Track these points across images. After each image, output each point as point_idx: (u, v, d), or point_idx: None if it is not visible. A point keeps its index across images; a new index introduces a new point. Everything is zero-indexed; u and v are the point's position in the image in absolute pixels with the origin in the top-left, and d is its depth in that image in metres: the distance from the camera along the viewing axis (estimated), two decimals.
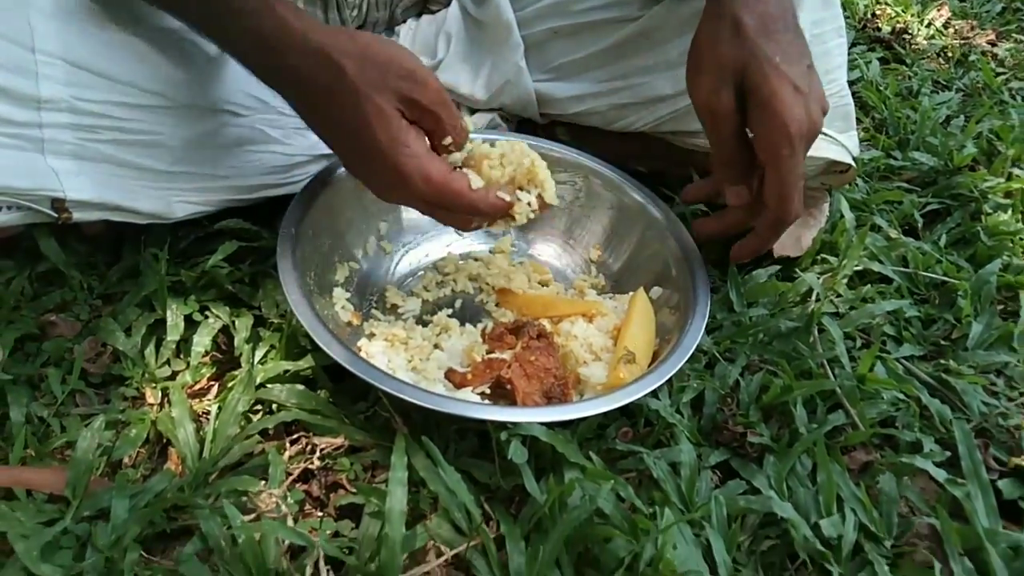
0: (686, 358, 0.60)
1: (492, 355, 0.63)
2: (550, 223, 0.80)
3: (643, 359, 0.63)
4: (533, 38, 0.81)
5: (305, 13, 0.54)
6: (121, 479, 0.52)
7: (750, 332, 0.69)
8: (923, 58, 1.33)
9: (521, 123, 0.88)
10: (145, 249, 0.67)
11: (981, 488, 0.56)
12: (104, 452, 0.54)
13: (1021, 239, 0.86)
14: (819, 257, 0.79)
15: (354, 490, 0.54)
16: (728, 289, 0.73)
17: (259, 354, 0.62)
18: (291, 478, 0.54)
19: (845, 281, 0.77)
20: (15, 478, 0.51)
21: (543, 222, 0.79)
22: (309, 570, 0.48)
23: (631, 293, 0.71)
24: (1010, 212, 0.90)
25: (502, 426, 0.54)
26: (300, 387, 0.59)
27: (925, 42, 1.38)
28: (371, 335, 0.66)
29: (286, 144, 0.69)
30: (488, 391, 0.60)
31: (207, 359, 0.63)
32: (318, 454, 0.56)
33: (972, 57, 1.33)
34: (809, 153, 0.63)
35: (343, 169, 0.69)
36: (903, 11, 1.49)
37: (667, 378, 0.58)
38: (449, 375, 0.62)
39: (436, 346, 0.66)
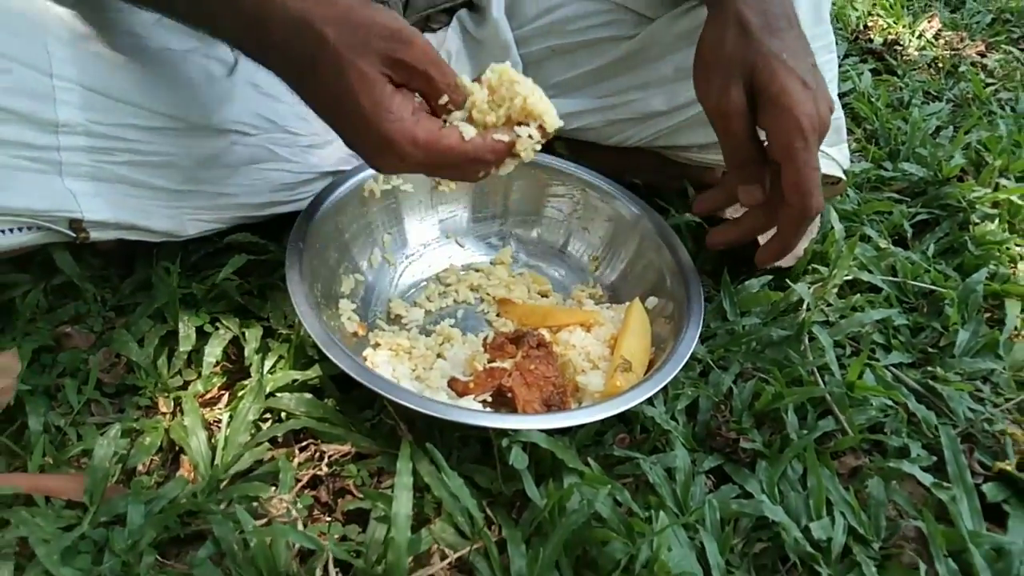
0: (681, 366, 0.60)
1: (493, 364, 0.64)
2: (550, 234, 0.82)
3: (639, 367, 0.64)
4: (531, 56, 0.83)
5: None
6: (136, 486, 0.54)
7: (743, 341, 0.70)
8: (914, 69, 1.34)
9: None
10: (157, 263, 0.68)
11: (966, 492, 0.58)
12: (119, 460, 0.56)
13: (1007, 248, 0.87)
14: (810, 267, 0.81)
15: (361, 495, 0.55)
16: (721, 299, 0.74)
17: (268, 364, 0.63)
18: (300, 484, 0.56)
19: (835, 290, 0.78)
20: (35, 484, 0.52)
21: (543, 232, 0.81)
22: (319, 573, 0.49)
23: (627, 303, 0.71)
24: (997, 222, 0.91)
25: (503, 433, 0.55)
26: (308, 396, 0.60)
27: (916, 53, 1.40)
28: (376, 345, 0.67)
29: (294, 162, 0.70)
30: (490, 399, 0.62)
31: (218, 369, 0.64)
32: (326, 461, 0.58)
33: (962, 68, 1.35)
34: None
35: (348, 184, 0.71)
36: (895, 22, 1.50)
37: (662, 386, 0.59)
38: (452, 384, 0.63)
39: (439, 355, 0.67)
